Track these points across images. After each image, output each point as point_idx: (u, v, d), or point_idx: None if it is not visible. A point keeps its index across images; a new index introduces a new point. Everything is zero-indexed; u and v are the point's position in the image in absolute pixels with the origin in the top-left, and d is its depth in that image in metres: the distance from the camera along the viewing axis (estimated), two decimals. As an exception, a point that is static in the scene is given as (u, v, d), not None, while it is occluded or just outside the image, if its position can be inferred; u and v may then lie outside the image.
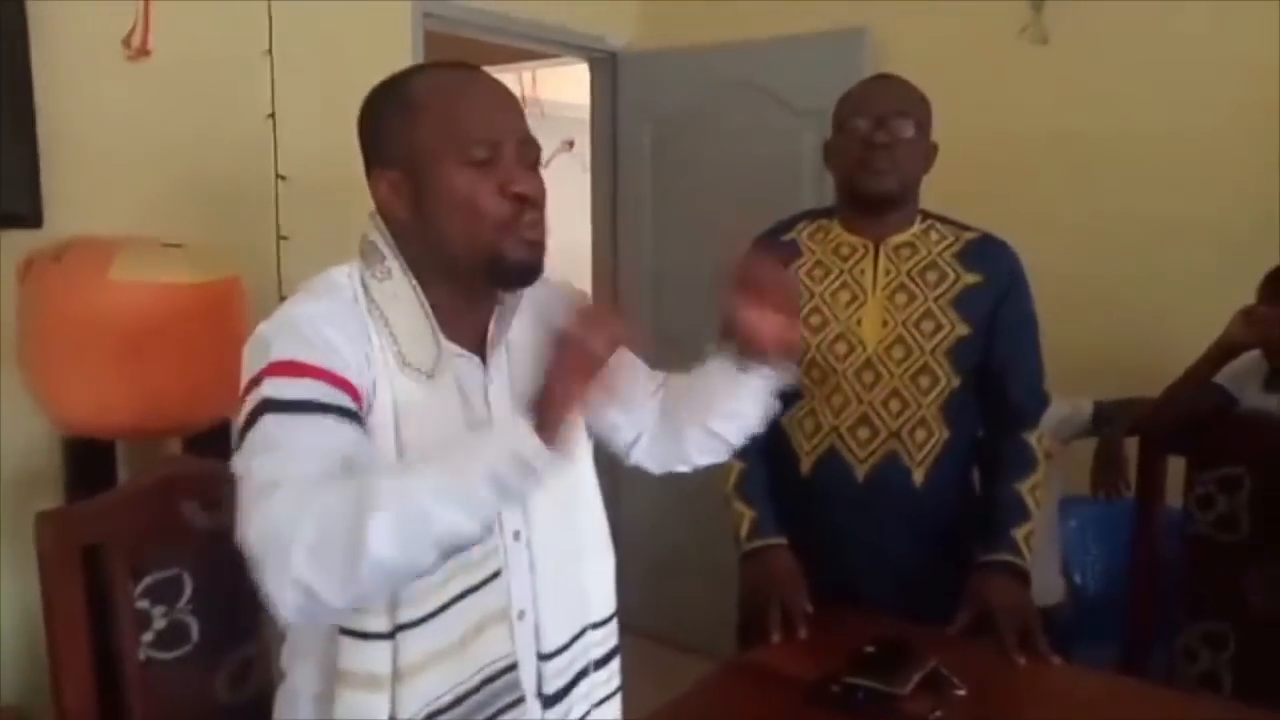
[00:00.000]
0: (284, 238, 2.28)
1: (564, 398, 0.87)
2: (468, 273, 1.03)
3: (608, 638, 1.16)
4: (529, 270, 1.03)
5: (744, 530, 1.57)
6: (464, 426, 1.02)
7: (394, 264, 1.03)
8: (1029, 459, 1.57)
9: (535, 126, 1.07)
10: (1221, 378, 1.95)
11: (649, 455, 1.26)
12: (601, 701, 1.15)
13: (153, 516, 1.19)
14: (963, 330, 1.55)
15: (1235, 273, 2.04)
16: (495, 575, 1.02)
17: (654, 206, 3.24)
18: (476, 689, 1.00)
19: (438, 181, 1.00)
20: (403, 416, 0.98)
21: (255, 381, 0.94)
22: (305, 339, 0.95)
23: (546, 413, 0.86)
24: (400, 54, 2.53)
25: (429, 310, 1.03)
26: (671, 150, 3.18)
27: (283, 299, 2.25)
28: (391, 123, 1.03)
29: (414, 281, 1.03)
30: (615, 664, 1.17)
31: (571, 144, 4.67)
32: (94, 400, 1.71)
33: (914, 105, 1.57)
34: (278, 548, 0.83)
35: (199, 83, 2.14)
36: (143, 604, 1.17)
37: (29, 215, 1.87)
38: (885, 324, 1.56)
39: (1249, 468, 1.69)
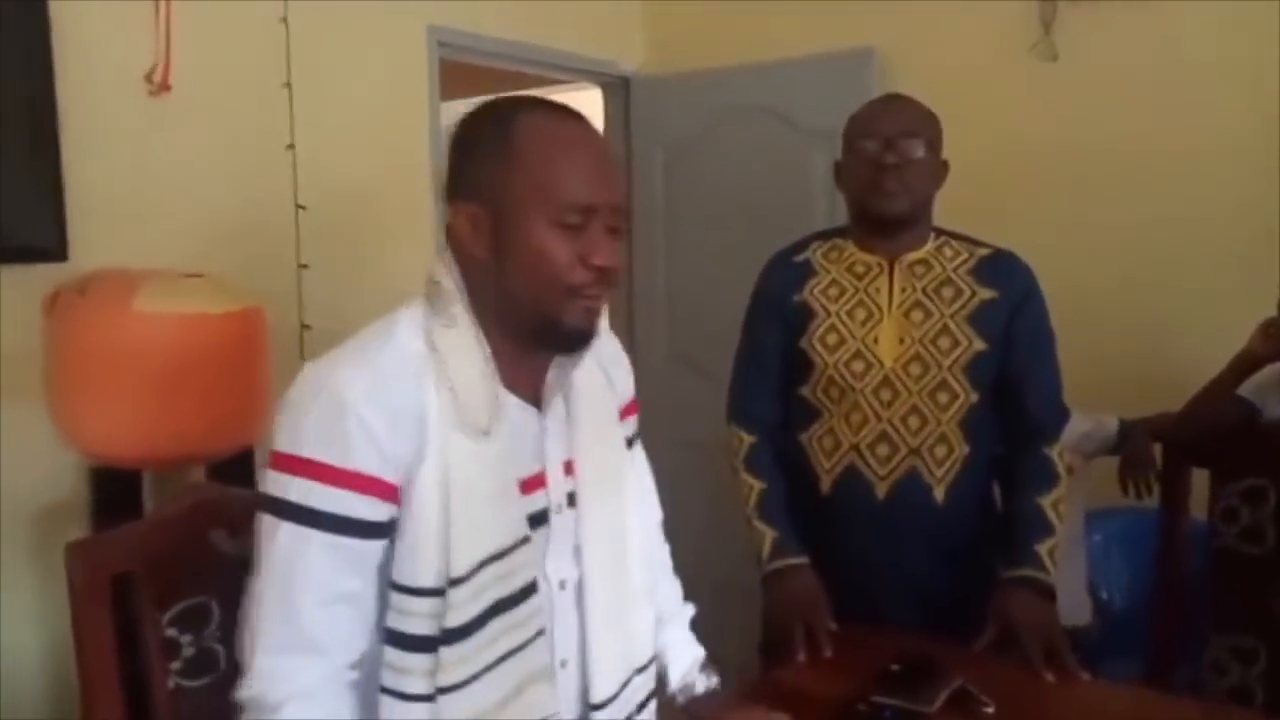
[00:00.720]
0: (304, 267, 2.30)
1: None
2: (524, 325, 1.01)
3: (649, 681, 1.16)
4: (582, 338, 1.02)
5: (765, 550, 1.57)
6: (514, 484, 1.01)
7: (459, 310, 1.00)
8: (1050, 473, 1.56)
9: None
10: (1244, 390, 1.94)
11: None
12: None
13: (180, 544, 1.19)
14: (980, 345, 1.55)
15: (1251, 285, 2.03)
16: (540, 633, 1.00)
17: (667, 228, 3.26)
18: None
19: (521, 232, 0.98)
20: (453, 478, 0.96)
21: (285, 466, 0.94)
22: (341, 426, 0.93)
23: None
24: (416, 82, 2.56)
25: (492, 363, 1.00)
26: (684, 172, 3.20)
27: (304, 327, 2.29)
28: (487, 160, 1.00)
29: (478, 330, 1.00)
30: (653, 705, 1.17)
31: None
32: (119, 430, 1.73)
33: (923, 124, 1.57)
34: None
35: (219, 116, 2.18)
36: (171, 632, 1.17)
37: (54, 249, 1.91)
38: (902, 341, 1.56)
39: (1273, 480, 1.68)
